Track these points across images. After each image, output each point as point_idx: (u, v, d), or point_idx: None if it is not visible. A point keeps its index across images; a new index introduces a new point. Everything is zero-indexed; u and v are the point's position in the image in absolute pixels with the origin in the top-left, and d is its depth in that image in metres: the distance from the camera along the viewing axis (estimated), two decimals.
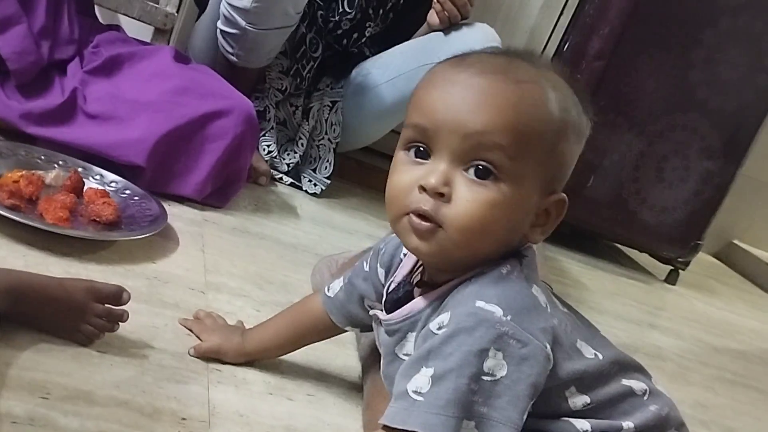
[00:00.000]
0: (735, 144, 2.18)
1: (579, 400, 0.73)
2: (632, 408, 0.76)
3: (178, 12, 1.79)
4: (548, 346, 0.67)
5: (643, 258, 2.45)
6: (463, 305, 0.67)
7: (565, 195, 0.72)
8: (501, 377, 0.64)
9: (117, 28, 1.53)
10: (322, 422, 0.88)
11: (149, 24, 1.76)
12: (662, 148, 2.15)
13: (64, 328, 0.82)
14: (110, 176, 1.27)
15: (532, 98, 0.68)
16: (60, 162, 1.24)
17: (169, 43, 1.77)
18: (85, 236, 1.07)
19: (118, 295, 0.84)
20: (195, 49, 1.73)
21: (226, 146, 1.36)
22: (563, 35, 2.05)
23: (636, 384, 0.78)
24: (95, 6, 1.58)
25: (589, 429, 0.73)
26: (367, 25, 1.69)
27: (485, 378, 0.64)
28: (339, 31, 1.68)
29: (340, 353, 1.03)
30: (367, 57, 1.71)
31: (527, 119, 0.67)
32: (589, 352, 0.75)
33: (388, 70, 1.57)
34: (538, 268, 0.75)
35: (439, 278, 0.75)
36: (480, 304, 0.66)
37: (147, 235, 1.11)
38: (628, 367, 0.79)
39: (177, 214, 1.29)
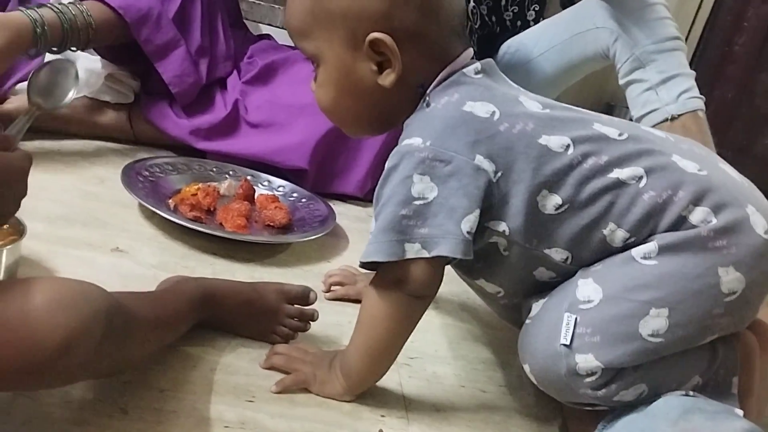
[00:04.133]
0: None
1: (550, 202, 0.72)
2: (619, 203, 0.71)
3: None
4: (477, 157, 0.70)
5: None
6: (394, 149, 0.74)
7: (376, 33, 0.72)
8: (433, 198, 0.70)
9: (268, 37, 1.58)
10: (519, 412, 0.85)
11: None
12: None
13: (259, 330, 0.84)
14: (277, 181, 1.30)
15: None
16: (230, 172, 1.29)
17: None
18: (263, 241, 1.10)
19: (305, 295, 0.86)
20: None
21: (384, 140, 1.35)
22: None
23: (628, 172, 0.72)
24: (244, 19, 1.63)
25: (569, 258, 0.73)
26: None
27: (417, 202, 0.70)
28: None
29: None
30: (527, 22, 1.65)
31: (296, 3, 0.76)
32: (556, 144, 0.72)
33: (539, 44, 1.51)
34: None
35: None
36: (404, 141, 0.73)
37: (319, 235, 1.13)
38: (623, 154, 0.72)
39: (343, 213, 1.30)
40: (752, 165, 1.99)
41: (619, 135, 0.75)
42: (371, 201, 1.37)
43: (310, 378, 0.78)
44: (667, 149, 0.75)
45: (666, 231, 0.70)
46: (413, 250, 0.70)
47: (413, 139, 0.72)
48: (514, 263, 0.76)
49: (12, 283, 0.55)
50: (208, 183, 1.21)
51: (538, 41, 1.52)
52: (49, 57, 1.20)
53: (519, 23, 1.66)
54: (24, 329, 0.52)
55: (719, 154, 1.28)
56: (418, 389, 0.85)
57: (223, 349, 0.82)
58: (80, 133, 1.34)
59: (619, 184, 0.72)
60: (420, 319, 0.77)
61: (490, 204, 0.72)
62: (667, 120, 1.28)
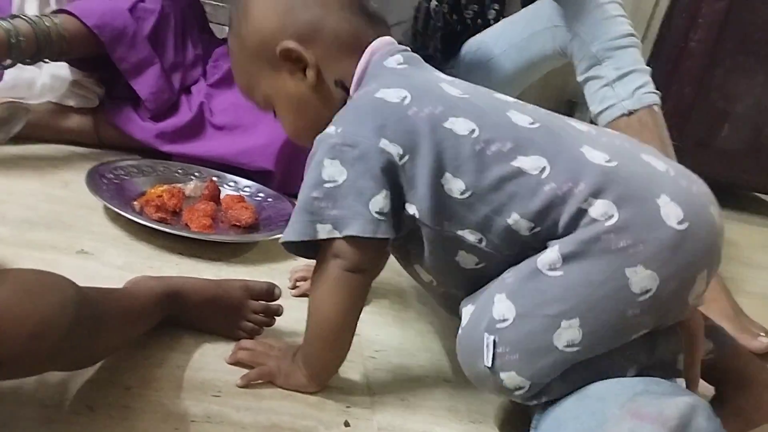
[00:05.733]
0: None
1: (455, 186, 0.73)
2: (520, 193, 0.71)
3: None
4: (382, 141, 0.73)
5: None
6: None
7: (280, 45, 0.79)
8: (343, 181, 0.73)
9: None
10: (484, 401, 0.87)
11: None
12: None
13: (225, 326, 0.85)
14: (243, 182, 1.31)
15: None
16: (196, 173, 1.30)
17: None
18: (229, 240, 1.11)
19: (270, 291, 0.87)
20: None
21: None
22: None
23: (531, 162, 0.71)
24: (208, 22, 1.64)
25: (483, 240, 0.73)
26: None
27: (327, 185, 0.73)
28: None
29: None
30: (488, 21, 1.67)
31: (235, 72, 0.88)
32: (462, 128, 0.73)
33: (499, 42, 1.54)
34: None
35: None
36: (322, 132, 0.76)
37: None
38: (529, 143, 0.72)
39: None
40: (712, 157, 2.05)
41: (531, 123, 0.74)
42: None
43: (275, 371, 0.80)
44: (579, 140, 0.73)
45: (567, 224, 0.69)
46: (325, 231, 0.73)
47: (329, 128, 0.76)
48: (432, 248, 0.77)
49: None
50: (174, 184, 1.22)
51: (498, 40, 1.55)
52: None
53: (479, 21, 1.69)
54: None
55: (678, 148, 1.33)
56: (383, 381, 0.86)
57: (188, 346, 0.83)
58: (45, 138, 1.34)
59: (521, 173, 0.71)
60: (366, 294, 0.79)
61: (400, 187, 0.74)
62: (624, 115, 1.31)
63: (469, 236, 0.74)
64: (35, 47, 1.17)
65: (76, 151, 1.36)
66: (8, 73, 1.29)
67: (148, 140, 1.35)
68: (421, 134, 0.73)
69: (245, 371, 0.80)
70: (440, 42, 1.67)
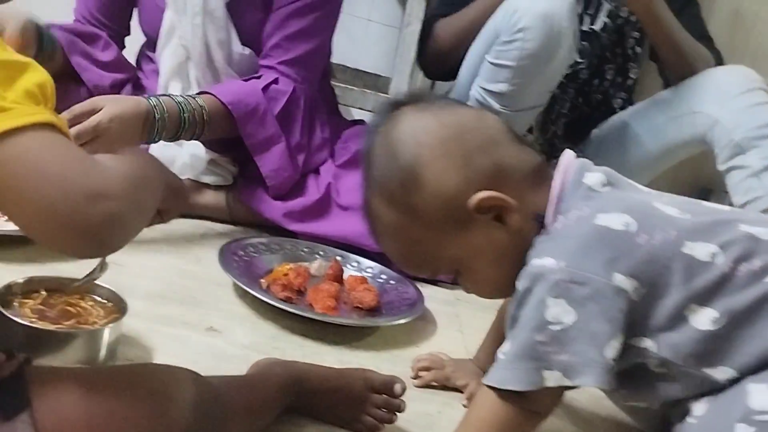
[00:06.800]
0: None
1: (703, 317, 0.67)
2: None
3: None
4: (615, 277, 0.66)
5: None
6: (524, 269, 0.71)
7: (471, 200, 0.72)
8: (571, 323, 0.65)
9: (362, 122, 1.62)
10: None
11: None
12: None
13: (344, 418, 0.83)
14: (366, 263, 1.31)
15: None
16: (320, 252, 1.32)
17: None
18: (352, 324, 1.10)
19: (391, 386, 0.84)
20: None
21: None
22: None
23: None
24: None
25: (735, 377, 0.66)
26: (607, 68, 1.62)
27: (552, 327, 0.66)
28: (579, 80, 1.62)
29: None
30: (613, 109, 1.64)
31: (400, 252, 0.82)
32: (702, 252, 0.68)
33: (636, 124, 1.49)
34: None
35: None
36: (534, 262, 0.70)
37: (409, 319, 1.12)
38: None
39: (431, 296, 1.29)
40: None
41: None
42: (458, 284, 1.37)
43: None
44: None
45: None
46: (553, 378, 0.66)
47: (545, 260, 0.69)
48: (663, 382, 0.71)
49: (108, 374, 0.58)
50: (300, 263, 1.23)
51: (635, 122, 1.51)
52: None
53: (603, 109, 1.65)
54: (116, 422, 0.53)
55: None
56: None
57: None
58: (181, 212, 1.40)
59: None
60: None
61: (632, 321, 0.68)
62: None
63: (719, 375, 0.68)
64: (177, 126, 1.23)
65: (210, 226, 1.41)
66: (152, 150, 1.36)
67: (276, 219, 1.39)
68: (659, 264, 0.68)
69: None
70: (562, 128, 1.65)
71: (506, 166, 0.73)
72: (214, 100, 1.30)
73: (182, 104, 1.24)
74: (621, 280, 0.66)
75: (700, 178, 1.97)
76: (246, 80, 1.38)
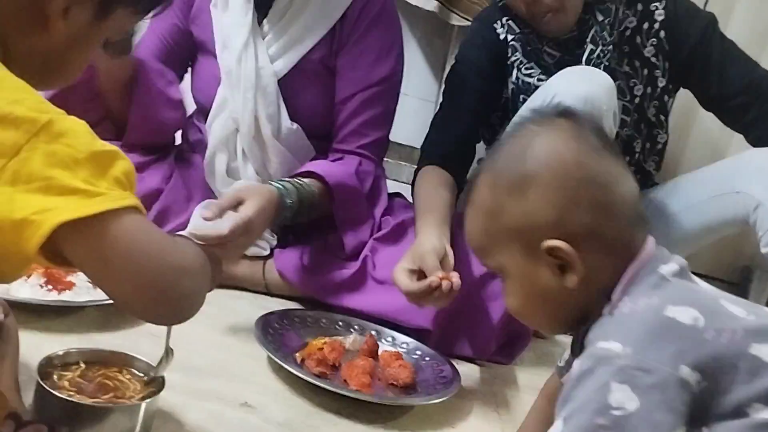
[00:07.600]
0: None
1: (766, 415, 0.65)
2: None
3: None
4: (682, 369, 0.66)
5: None
6: (587, 350, 0.71)
7: (551, 242, 0.73)
8: (635, 409, 0.64)
9: (399, 195, 1.63)
10: None
11: None
12: None
13: None
14: (401, 338, 1.30)
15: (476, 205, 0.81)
16: (356, 326, 1.31)
17: None
18: (388, 402, 1.08)
19: None
20: None
21: None
22: None
23: None
24: None
25: None
26: (635, 143, 1.61)
27: (615, 412, 0.65)
28: None
29: None
30: (648, 172, 1.62)
31: (473, 225, 0.81)
32: None
33: (677, 201, 1.47)
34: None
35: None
36: (600, 344, 0.69)
37: (445, 398, 1.10)
38: None
39: (467, 374, 1.27)
40: None
41: None
42: (495, 362, 1.35)
43: None
44: None
45: None
46: None
47: (611, 343, 0.69)
48: None
49: None
50: (334, 337, 1.23)
51: (676, 198, 1.49)
52: None
53: (639, 177, 1.64)
54: None
55: None
56: None
57: None
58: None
59: None
60: None
61: (692, 412, 0.67)
62: None
63: None
64: (298, 209, 1.28)
65: (244, 296, 1.41)
66: (197, 219, 1.38)
67: (312, 291, 1.39)
68: (725, 362, 0.67)
69: None
70: None
71: (600, 236, 0.74)
72: (318, 183, 1.34)
73: (300, 189, 1.29)
74: (686, 372, 0.66)
75: (741, 255, 1.94)
76: (333, 161, 1.45)
